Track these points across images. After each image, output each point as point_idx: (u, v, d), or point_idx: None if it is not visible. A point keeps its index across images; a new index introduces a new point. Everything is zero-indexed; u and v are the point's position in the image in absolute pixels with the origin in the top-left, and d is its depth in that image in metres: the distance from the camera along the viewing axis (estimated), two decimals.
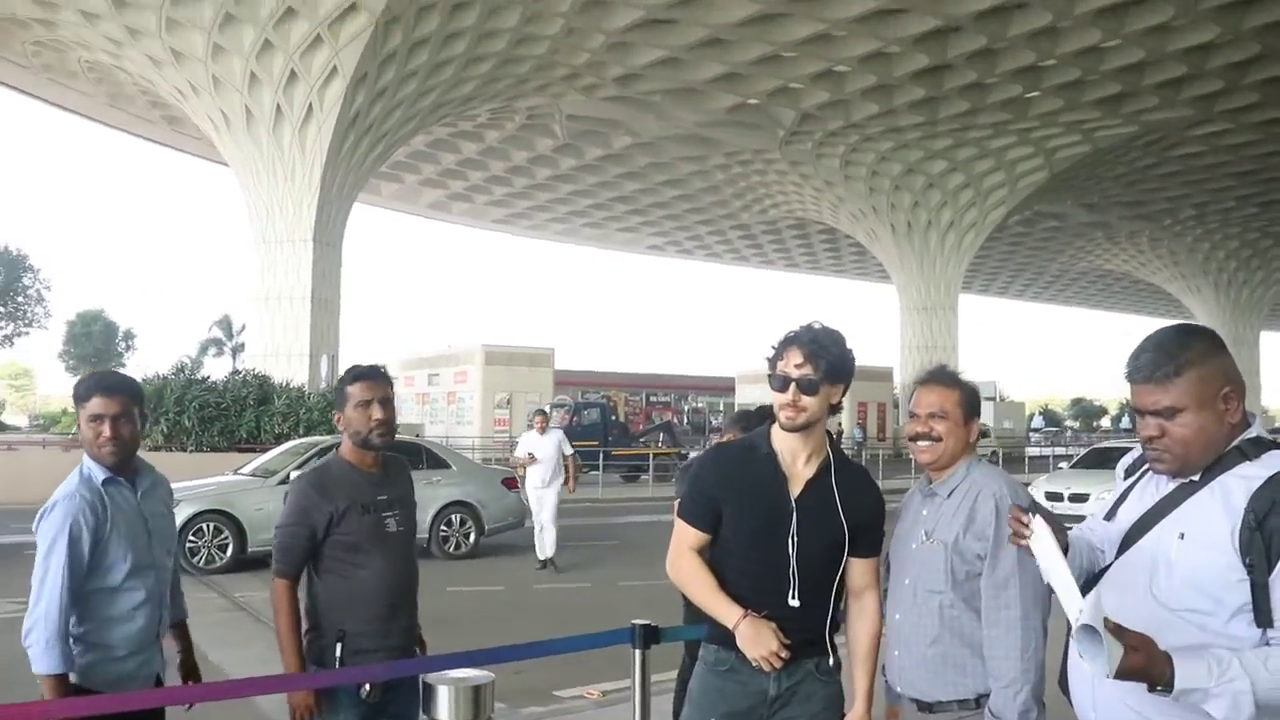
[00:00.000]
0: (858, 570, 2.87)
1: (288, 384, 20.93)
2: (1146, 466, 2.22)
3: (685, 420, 53.60)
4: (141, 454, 3.30)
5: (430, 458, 13.62)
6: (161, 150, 40.98)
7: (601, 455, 26.51)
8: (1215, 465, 2.05)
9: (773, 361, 2.84)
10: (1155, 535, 2.09)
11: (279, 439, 17.76)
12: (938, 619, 2.83)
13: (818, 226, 49.02)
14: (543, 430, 12.99)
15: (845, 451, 2.98)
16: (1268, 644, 1.94)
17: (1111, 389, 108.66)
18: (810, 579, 2.77)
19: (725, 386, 51.02)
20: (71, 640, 3.00)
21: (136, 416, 3.19)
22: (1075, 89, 31.13)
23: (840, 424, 42.35)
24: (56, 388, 65.58)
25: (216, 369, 37.71)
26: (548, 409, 12.01)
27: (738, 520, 2.80)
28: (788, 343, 2.81)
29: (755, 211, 46.86)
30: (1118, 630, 1.89)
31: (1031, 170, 38.35)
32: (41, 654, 2.93)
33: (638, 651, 3.50)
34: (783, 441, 2.83)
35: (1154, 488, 2.18)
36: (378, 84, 25.92)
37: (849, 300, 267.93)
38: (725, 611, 2.74)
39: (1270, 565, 1.92)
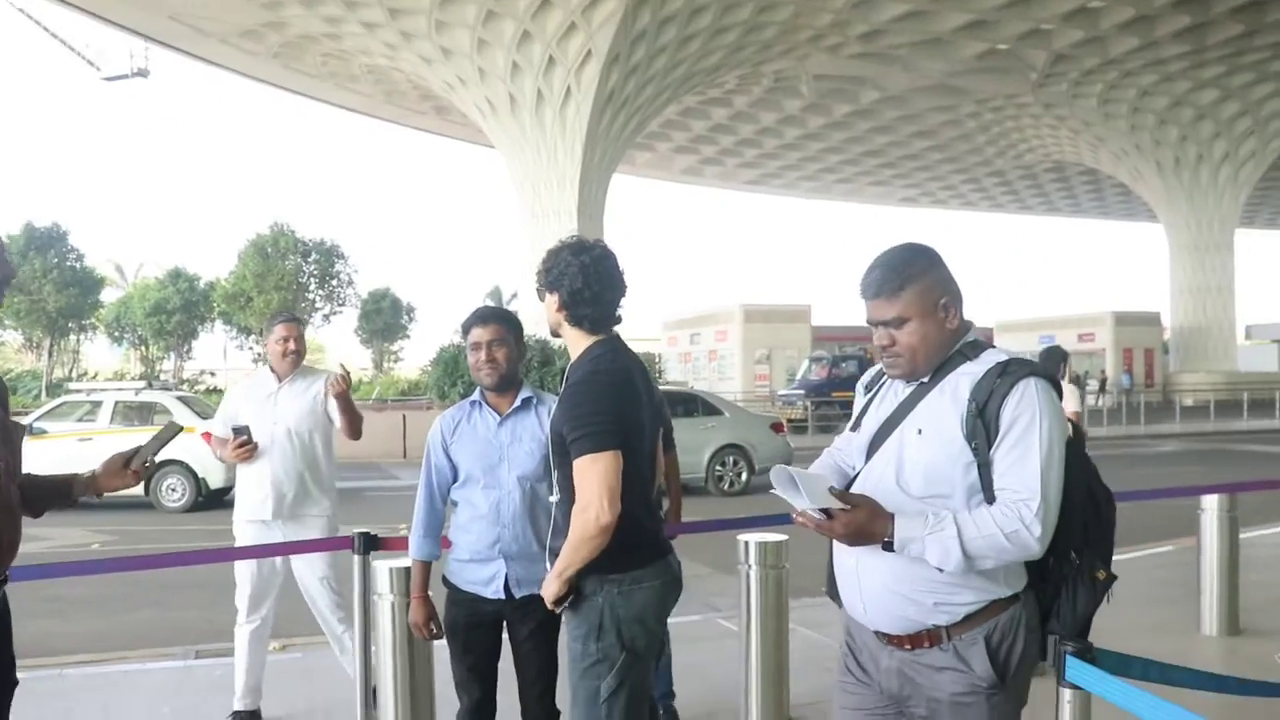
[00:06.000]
0: None
1: (563, 347, 22.56)
2: (884, 380, 2.51)
3: None
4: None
5: (705, 405, 14.98)
6: (432, 138, 44.35)
7: None
8: (942, 368, 2.35)
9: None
10: (898, 434, 2.35)
11: None
12: None
13: (1077, 168, 47.28)
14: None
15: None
16: None
17: None
18: None
19: (981, 335, 49.84)
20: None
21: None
22: None
23: (1105, 371, 40.91)
24: (349, 362, 71.53)
25: None
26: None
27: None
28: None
29: (1010, 157, 45.70)
30: (842, 495, 2.22)
31: None
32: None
33: None
34: None
35: (893, 395, 2.45)
36: (630, 62, 27.27)
37: (1113, 242, 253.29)
38: None
39: (990, 445, 2.20)
